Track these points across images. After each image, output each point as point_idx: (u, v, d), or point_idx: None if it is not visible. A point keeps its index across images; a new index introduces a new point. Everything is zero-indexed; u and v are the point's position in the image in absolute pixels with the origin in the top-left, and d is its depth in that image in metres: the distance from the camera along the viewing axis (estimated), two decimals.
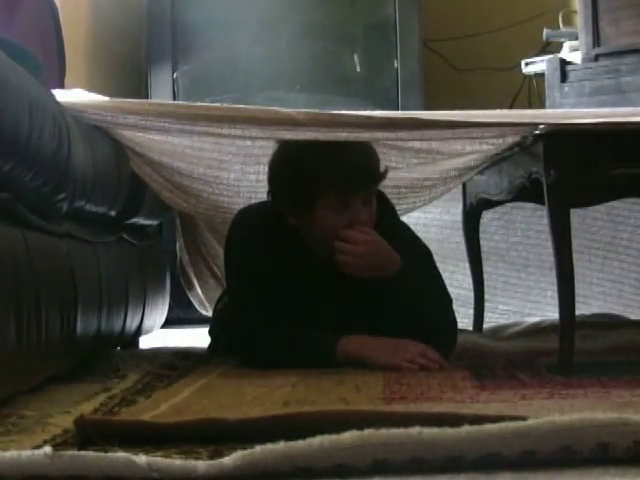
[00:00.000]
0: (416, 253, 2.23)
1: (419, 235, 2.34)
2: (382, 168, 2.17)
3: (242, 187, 2.51)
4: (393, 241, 2.15)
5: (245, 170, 2.46)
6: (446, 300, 2.23)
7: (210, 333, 2.53)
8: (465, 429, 1.14)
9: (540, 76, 4.15)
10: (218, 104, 2.37)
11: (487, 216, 2.88)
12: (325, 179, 2.10)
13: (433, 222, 3.06)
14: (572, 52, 4.03)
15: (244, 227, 2.24)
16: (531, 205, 2.86)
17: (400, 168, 2.46)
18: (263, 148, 2.36)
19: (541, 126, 2.00)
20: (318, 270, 2.19)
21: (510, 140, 2.19)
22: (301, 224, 2.16)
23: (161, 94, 4.00)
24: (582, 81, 3.84)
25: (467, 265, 2.82)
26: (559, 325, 1.98)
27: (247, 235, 2.22)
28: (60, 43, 2.91)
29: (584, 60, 3.89)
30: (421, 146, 2.37)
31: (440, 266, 2.30)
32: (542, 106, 4.13)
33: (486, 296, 2.85)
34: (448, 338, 2.18)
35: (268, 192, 2.22)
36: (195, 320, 3.31)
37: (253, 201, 2.47)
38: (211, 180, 2.47)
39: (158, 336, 3.01)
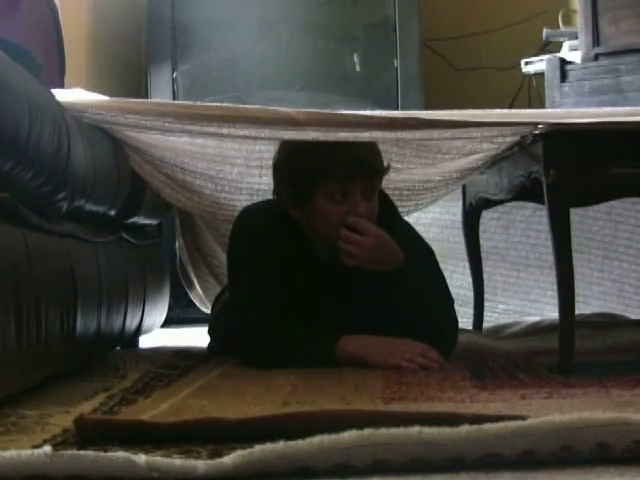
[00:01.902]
0: (418, 252, 2.23)
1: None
2: (385, 165, 2.18)
3: (244, 183, 2.51)
4: (394, 239, 2.15)
5: (248, 164, 2.46)
6: (447, 300, 2.23)
7: (209, 332, 2.53)
8: (465, 429, 1.14)
9: (540, 76, 4.15)
10: (218, 104, 2.36)
11: (487, 216, 2.88)
12: (323, 166, 2.10)
13: (433, 222, 3.06)
14: (572, 52, 4.03)
15: (247, 226, 2.24)
16: (531, 204, 2.86)
17: (401, 169, 2.46)
18: (265, 144, 2.36)
19: (540, 126, 2.00)
20: (320, 269, 2.19)
21: (510, 140, 2.19)
22: (302, 216, 2.17)
23: (161, 94, 4.00)
24: (582, 81, 3.84)
25: (467, 265, 2.82)
26: (559, 325, 1.98)
27: (250, 234, 2.22)
28: (60, 43, 2.91)
29: (584, 60, 3.89)
30: (421, 144, 2.37)
31: (440, 266, 2.30)
32: (542, 106, 4.13)
33: (486, 296, 2.85)
34: (448, 338, 2.18)
35: (273, 188, 2.23)
36: (195, 320, 3.31)
37: (255, 198, 2.47)
38: (214, 175, 2.47)
39: (158, 336, 3.01)
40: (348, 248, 2.10)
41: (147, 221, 2.64)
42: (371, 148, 2.17)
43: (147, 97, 3.97)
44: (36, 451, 1.11)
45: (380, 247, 2.10)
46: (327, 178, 2.10)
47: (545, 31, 4.30)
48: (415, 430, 1.13)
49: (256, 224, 2.23)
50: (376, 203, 2.16)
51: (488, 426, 1.14)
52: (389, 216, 2.24)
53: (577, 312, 2.00)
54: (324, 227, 2.13)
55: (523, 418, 1.19)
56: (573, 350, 1.95)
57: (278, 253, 2.19)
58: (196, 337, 2.80)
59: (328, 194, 2.11)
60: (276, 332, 2.13)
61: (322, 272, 2.19)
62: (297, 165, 2.15)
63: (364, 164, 2.11)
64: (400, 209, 2.45)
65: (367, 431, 1.13)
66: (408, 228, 2.32)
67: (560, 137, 1.98)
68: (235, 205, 2.51)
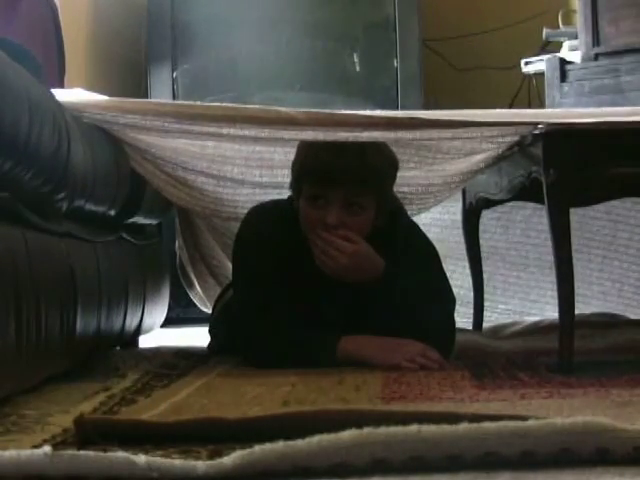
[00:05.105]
0: (417, 255, 2.22)
1: None
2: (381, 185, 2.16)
3: (246, 181, 2.51)
4: (391, 241, 2.15)
5: (249, 165, 2.46)
6: (444, 301, 2.22)
7: (210, 331, 2.53)
8: (463, 427, 1.13)
9: (540, 75, 4.15)
10: (218, 104, 2.36)
11: (487, 215, 2.88)
12: (304, 166, 2.14)
13: (433, 222, 3.06)
14: (572, 51, 4.03)
15: (252, 227, 2.25)
16: (531, 204, 2.86)
17: (401, 168, 2.45)
18: (265, 145, 2.37)
19: (540, 126, 2.00)
20: (320, 270, 2.19)
21: (510, 140, 2.19)
22: (298, 210, 2.18)
23: (161, 94, 4.00)
24: (581, 80, 3.84)
25: (467, 265, 2.82)
26: (559, 324, 1.98)
27: (254, 235, 2.22)
28: (60, 43, 2.91)
29: (584, 59, 3.89)
30: (421, 144, 2.37)
31: (443, 267, 2.30)
32: (542, 105, 4.13)
33: (486, 296, 2.85)
34: (446, 339, 2.17)
35: None
36: (195, 319, 3.31)
37: (258, 191, 2.48)
38: (215, 173, 2.47)
39: (158, 335, 3.01)
40: (322, 259, 2.10)
41: (147, 221, 2.64)
42: (368, 158, 2.11)
43: (147, 97, 3.97)
44: (36, 451, 1.10)
45: (355, 264, 2.09)
46: (305, 179, 2.13)
47: (545, 31, 4.30)
48: (414, 428, 1.13)
49: (261, 225, 2.23)
50: (365, 220, 2.13)
51: (487, 424, 1.14)
52: (393, 218, 2.23)
53: (577, 312, 2.00)
54: (303, 227, 2.15)
55: (523, 418, 1.19)
56: (573, 350, 1.95)
57: (282, 254, 2.19)
58: (196, 337, 2.81)
59: (307, 195, 2.13)
60: (277, 332, 2.13)
61: (322, 273, 2.18)
62: (295, 160, 2.19)
63: (340, 174, 2.08)
64: None
65: (366, 430, 1.13)
66: (412, 230, 2.30)
67: (560, 137, 1.98)
68: (237, 200, 2.52)
